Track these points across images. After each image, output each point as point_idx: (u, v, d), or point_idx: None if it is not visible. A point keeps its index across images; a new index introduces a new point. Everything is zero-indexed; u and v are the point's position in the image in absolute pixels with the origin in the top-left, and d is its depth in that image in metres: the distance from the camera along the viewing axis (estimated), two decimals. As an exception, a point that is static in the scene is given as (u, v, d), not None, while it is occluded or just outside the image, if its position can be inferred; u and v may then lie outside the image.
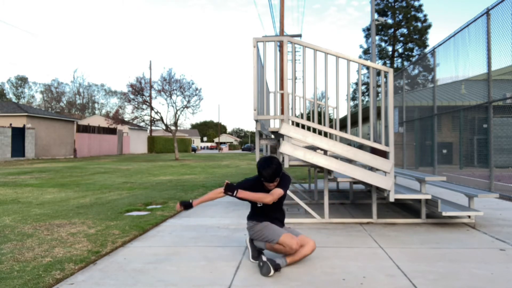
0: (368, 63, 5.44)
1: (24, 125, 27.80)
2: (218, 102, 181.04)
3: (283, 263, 3.47)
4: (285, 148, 5.06)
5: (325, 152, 5.40)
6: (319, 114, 10.88)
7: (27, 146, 27.73)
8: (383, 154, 5.15)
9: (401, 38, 40.24)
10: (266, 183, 3.53)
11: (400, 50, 40.76)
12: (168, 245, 4.34)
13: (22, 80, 75.62)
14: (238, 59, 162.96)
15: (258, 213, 3.70)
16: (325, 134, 7.34)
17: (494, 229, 4.93)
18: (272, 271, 3.31)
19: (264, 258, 3.41)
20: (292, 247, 3.42)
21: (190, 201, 3.67)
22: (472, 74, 9.10)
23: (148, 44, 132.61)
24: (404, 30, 39.99)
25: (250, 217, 3.75)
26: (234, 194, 3.42)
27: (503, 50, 7.38)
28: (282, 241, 3.45)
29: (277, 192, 3.50)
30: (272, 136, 7.54)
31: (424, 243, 4.31)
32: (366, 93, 40.25)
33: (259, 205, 3.67)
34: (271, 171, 3.45)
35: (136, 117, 30.29)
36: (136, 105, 29.39)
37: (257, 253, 3.70)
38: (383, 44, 40.69)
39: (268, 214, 3.67)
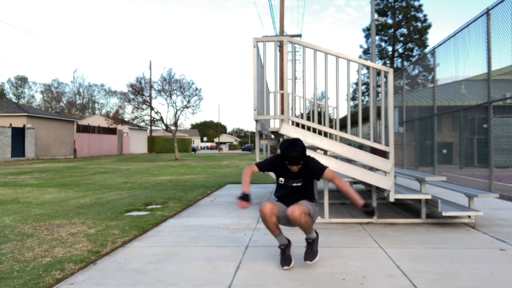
0: (368, 63, 5.44)
1: (24, 125, 27.80)
2: (218, 102, 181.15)
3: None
4: (285, 148, 5.05)
5: (325, 152, 5.40)
6: (319, 114, 10.88)
7: (27, 146, 27.73)
8: (383, 154, 5.15)
9: (401, 38, 40.25)
10: (290, 165, 3.45)
11: (400, 50, 40.77)
12: (168, 245, 4.33)
13: (22, 80, 75.67)
14: (238, 59, 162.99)
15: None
16: (325, 134, 7.34)
17: (494, 229, 4.93)
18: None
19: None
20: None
21: (243, 193, 3.40)
22: (472, 74, 9.10)
23: (148, 44, 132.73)
24: (404, 30, 40.00)
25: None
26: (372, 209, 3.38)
27: (503, 50, 7.38)
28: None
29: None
30: (272, 136, 7.54)
31: (424, 243, 4.31)
32: (366, 93, 40.26)
33: (280, 182, 3.64)
34: (296, 153, 3.36)
35: (136, 117, 30.29)
36: (136, 105, 29.40)
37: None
38: (383, 44, 40.71)
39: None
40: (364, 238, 4.55)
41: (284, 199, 3.62)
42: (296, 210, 3.30)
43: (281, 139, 5.30)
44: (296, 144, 3.41)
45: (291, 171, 3.51)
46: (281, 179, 3.62)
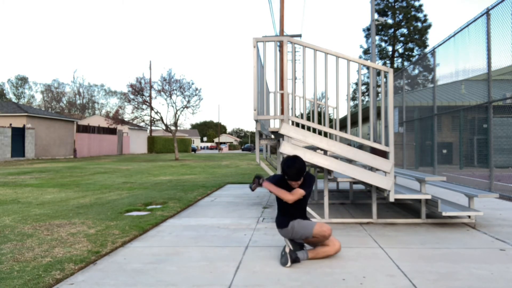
0: (368, 63, 5.44)
1: (24, 125, 27.80)
2: (218, 102, 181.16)
3: (304, 257, 3.65)
4: (285, 148, 5.06)
5: (325, 152, 5.40)
6: (319, 114, 10.88)
7: (27, 146, 27.73)
8: (383, 154, 5.14)
9: (401, 38, 40.25)
10: (290, 181, 3.66)
11: (400, 50, 40.77)
12: (168, 245, 4.33)
13: (22, 80, 75.63)
14: (238, 59, 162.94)
15: (284, 214, 3.79)
16: (325, 134, 7.34)
17: (494, 229, 4.93)
18: (289, 263, 3.52)
19: (286, 249, 3.59)
20: (324, 235, 3.62)
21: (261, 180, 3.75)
22: (472, 74, 9.10)
23: (148, 44, 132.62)
24: (404, 30, 40.00)
25: (279, 224, 3.82)
26: (260, 182, 3.66)
27: (503, 50, 7.38)
28: (315, 234, 3.64)
29: (299, 192, 3.64)
30: (272, 136, 7.54)
31: (424, 243, 4.31)
32: (366, 93, 40.26)
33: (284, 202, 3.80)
34: (295, 170, 3.59)
35: (136, 117, 30.30)
36: (136, 105, 29.41)
37: (298, 247, 3.78)
38: (383, 44, 40.70)
39: (291, 212, 3.78)
40: (364, 238, 4.55)
41: (293, 217, 3.78)
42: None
43: (281, 139, 5.30)
44: (295, 161, 3.64)
45: (292, 187, 3.72)
46: None
